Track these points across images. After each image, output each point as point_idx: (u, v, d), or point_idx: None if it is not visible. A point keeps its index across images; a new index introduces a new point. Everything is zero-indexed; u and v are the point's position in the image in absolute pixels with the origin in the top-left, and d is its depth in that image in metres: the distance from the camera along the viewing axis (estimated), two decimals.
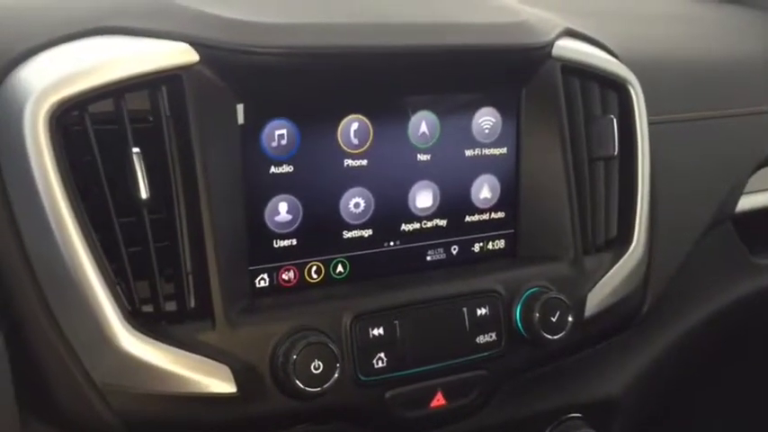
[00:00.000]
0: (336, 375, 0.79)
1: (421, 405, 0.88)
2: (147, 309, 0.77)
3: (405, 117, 0.88)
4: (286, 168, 0.83)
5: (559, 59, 0.93)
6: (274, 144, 0.82)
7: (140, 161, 0.75)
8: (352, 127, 0.85)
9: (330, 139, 0.84)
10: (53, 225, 0.72)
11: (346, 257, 0.87)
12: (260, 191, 0.82)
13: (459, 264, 0.93)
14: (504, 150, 0.94)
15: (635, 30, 1.20)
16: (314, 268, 0.86)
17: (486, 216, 0.94)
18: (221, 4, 0.81)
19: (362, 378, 0.84)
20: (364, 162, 0.86)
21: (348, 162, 0.86)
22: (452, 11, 0.93)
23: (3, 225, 0.74)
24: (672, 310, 1.14)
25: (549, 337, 0.90)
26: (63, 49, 0.77)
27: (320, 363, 0.78)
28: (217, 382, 0.77)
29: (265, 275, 0.84)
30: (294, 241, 0.85)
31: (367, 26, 0.84)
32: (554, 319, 0.90)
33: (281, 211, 0.83)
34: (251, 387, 0.79)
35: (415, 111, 0.88)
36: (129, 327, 0.74)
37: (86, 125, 0.74)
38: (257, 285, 0.83)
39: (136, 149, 0.75)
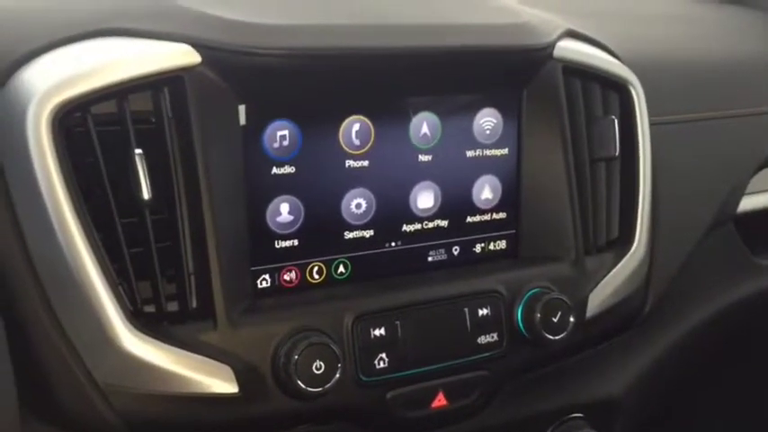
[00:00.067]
0: (338, 376, 0.79)
1: (422, 405, 0.88)
2: (149, 309, 0.77)
3: (406, 118, 0.88)
4: (288, 169, 0.83)
5: (561, 60, 0.93)
6: (276, 145, 0.82)
7: (143, 162, 0.76)
8: (353, 128, 0.85)
9: (332, 139, 0.84)
10: (56, 226, 0.73)
11: (348, 258, 0.88)
12: (262, 191, 0.82)
13: (460, 264, 0.93)
14: (505, 151, 0.94)
15: (636, 30, 1.20)
16: (315, 269, 0.86)
17: (487, 217, 0.94)
18: (223, 5, 0.81)
19: (364, 378, 0.84)
20: (366, 163, 0.86)
21: (349, 163, 0.86)
22: (453, 12, 0.93)
23: (6, 226, 0.74)
24: (673, 311, 1.14)
25: (551, 337, 0.90)
26: (65, 51, 0.77)
27: (322, 363, 0.78)
28: (218, 382, 0.77)
29: (267, 276, 0.84)
30: (296, 242, 0.85)
31: (368, 27, 0.84)
32: (555, 320, 0.90)
33: (283, 211, 0.84)
34: (253, 387, 0.79)
35: (416, 112, 0.88)
36: (131, 327, 0.74)
37: (89, 126, 0.75)
38: (259, 286, 0.84)
39: (138, 150, 0.76)
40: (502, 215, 0.95)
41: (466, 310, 0.89)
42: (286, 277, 0.85)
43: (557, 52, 0.93)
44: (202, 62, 0.77)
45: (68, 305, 0.74)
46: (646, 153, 1.01)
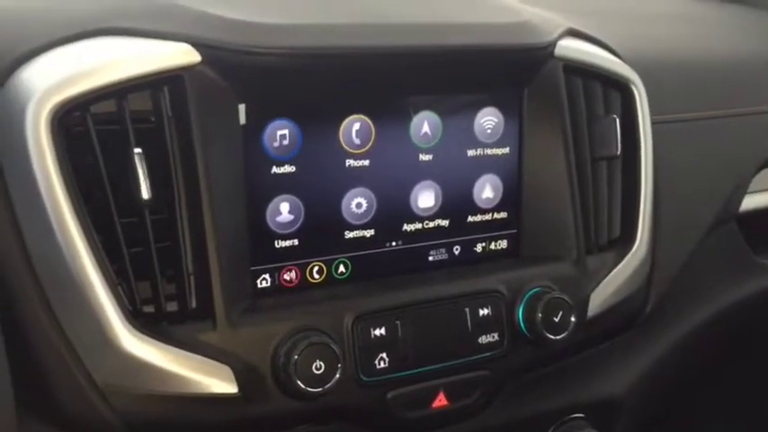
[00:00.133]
0: (338, 376, 0.79)
1: (423, 405, 0.88)
2: (149, 309, 0.77)
3: (407, 117, 0.88)
4: (288, 168, 0.83)
5: (562, 59, 0.93)
6: (276, 144, 0.82)
7: (142, 162, 0.75)
8: (353, 127, 0.85)
9: (332, 139, 0.84)
10: (55, 226, 0.72)
11: (348, 258, 0.87)
12: (262, 191, 0.82)
13: (461, 264, 0.93)
14: (506, 150, 0.93)
15: (637, 29, 1.20)
16: (316, 268, 0.86)
17: (488, 216, 0.94)
18: (223, 4, 0.81)
19: (364, 378, 0.84)
20: (366, 162, 0.86)
21: (350, 162, 0.85)
22: (454, 11, 0.93)
23: (5, 226, 0.74)
24: (675, 310, 1.14)
25: (552, 337, 0.90)
26: (65, 51, 0.77)
27: (322, 363, 0.78)
28: (218, 382, 0.77)
29: (267, 276, 0.84)
30: (296, 241, 0.85)
31: (369, 26, 0.84)
32: (557, 320, 0.90)
33: (283, 211, 0.83)
34: (252, 387, 0.79)
35: (417, 111, 0.88)
36: (131, 327, 0.74)
37: (88, 126, 0.75)
38: (259, 286, 0.84)
39: (138, 150, 0.75)
40: (503, 214, 0.95)
41: (467, 309, 0.88)
42: (286, 277, 0.85)
43: (558, 51, 0.92)
44: (202, 61, 0.77)
45: (67, 305, 0.74)
46: (647, 152, 1.01)
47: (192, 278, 0.78)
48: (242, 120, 0.80)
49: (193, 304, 0.78)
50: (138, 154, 0.75)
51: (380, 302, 0.85)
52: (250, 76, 0.79)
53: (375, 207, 0.88)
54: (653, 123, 1.02)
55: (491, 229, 0.95)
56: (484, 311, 0.89)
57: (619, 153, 0.99)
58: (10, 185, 0.74)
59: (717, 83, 1.19)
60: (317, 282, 0.86)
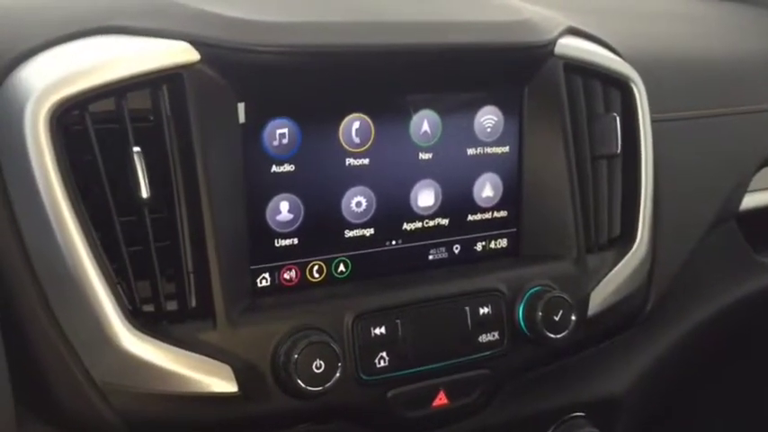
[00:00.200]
0: (338, 375, 0.79)
1: (423, 404, 0.88)
2: (148, 308, 0.77)
3: (406, 116, 0.87)
4: (287, 167, 0.83)
5: (562, 57, 0.93)
6: (275, 143, 0.82)
7: (141, 160, 0.75)
8: (353, 126, 0.85)
9: (332, 137, 0.84)
10: (54, 224, 0.72)
11: (348, 257, 0.87)
12: (261, 190, 0.82)
13: (461, 263, 0.93)
14: (506, 149, 0.93)
15: (637, 28, 1.20)
16: (315, 267, 0.86)
17: (488, 215, 0.94)
18: (222, 2, 0.81)
19: (364, 377, 0.84)
20: (366, 161, 0.86)
21: (350, 161, 0.85)
22: (454, 9, 0.92)
23: (3, 224, 0.74)
24: (675, 309, 1.14)
25: (552, 335, 0.89)
26: (63, 49, 0.77)
27: (322, 362, 0.78)
28: (218, 381, 0.77)
29: (267, 275, 0.84)
30: (295, 240, 0.84)
31: (368, 25, 0.84)
32: (557, 318, 0.89)
33: (283, 210, 0.83)
34: (252, 386, 0.79)
35: (416, 109, 0.88)
36: (130, 326, 0.74)
37: (87, 124, 0.74)
38: (258, 285, 0.83)
39: (137, 149, 0.75)
40: (503, 213, 0.95)
41: (467, 308, 0.88)
42: (286, 276, 0.85)
43: (558, 49, 0.92)
44: (201, 60, 0.76)
45: (66, 304, 0.74)
46: (647, 150, 1.00)
47: (191, 277, 0.78)
48: (241, 118, 0.80)
49: (193, 303, 0.78)
50: (137, 153, 0.75)
51: (380, 301, 0.85)
52: (249, 75, 0.79)
53: (375, 206, 0.88)
54: (653, 122, 1.01)
55: (491, 227, 0.95)
56: (484, 310, 0.89)
57: (619, 151, 0.99)
58: (9, 184, 0.74)
59: (717, 81, 1.19)
60: (316, 281, 0.86)
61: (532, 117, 0.93)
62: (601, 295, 0.96)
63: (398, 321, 0.85)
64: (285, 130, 0.82)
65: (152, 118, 0.77)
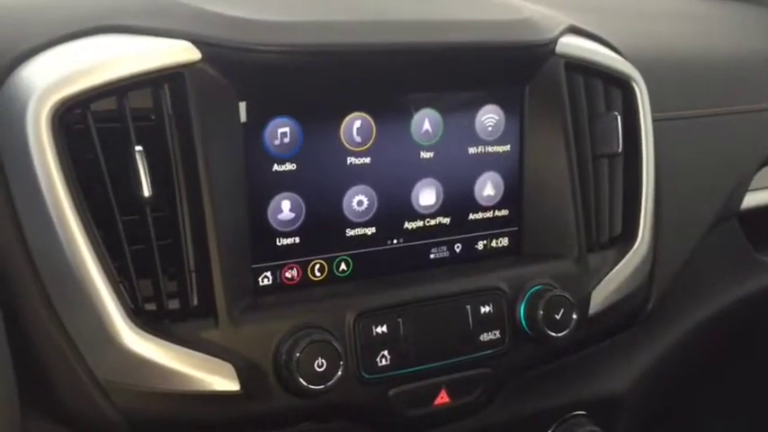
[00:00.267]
0: (340, 373, 0.79)
1: (425, 403, 0.88)
2: (150, 307, 0.77)
3: (408, 115, 0.88)
4: (289, 166, 0.83)
5: (563, 56, 0.93)
6: (277, 142, 0.82)
7: (143, 159, 0.75)
8: (354, 125, 0.85)
9: (333, 136, 0.84)
10: (56, 223, 0.72)
11: (349, 255, 0.87)
12: (263, 189, 0.82)
13: (462, 261, 0.93)
14: (507, 148, 0.93)
15: (639, 26, 1.20)
16: (317, 266, 0.86)
17: (489, 214, 0.94)
18: (223, 1, 0.81)
19: (366, 376, 0.84)
20: (367, 160, 0.86)
21: (351, 160, 0.85)
22: (455, 8, 0.93)
23: (6, 223, 0.74)
24: (676, 308, 1.14)
25: (554, 334, 0.90)
26: (65, 48, 0.77)
27: (323, 360, 0.78)
28: (220, 379, 0.77)
29: (268, 273, 0.84)
30: (297, 239, 0.84)
31: (369, 24, 0.84)
32: (558, 317, 0.89)
33: (284, 209, 0.83)
34: (254, 385, 0.79)
35: (417, 108, 0.88)
36: (132, 324, 0.74)
37: (89, 123, 0.75)
38: (260, 283, 0.84)
39: (138, 147, 0.75)
40: (504, 212, 0.95)
41: (468, 307, 0.88)
42: (287, 275, 0.85)
43: (559, 48, 0.92)
44: (202, 59, 0.77)
45: (69, 302, 0.74)
46: (649, 149, 1.00)
47: (193, 276, 0.78)
48: (243, 117, 0.80)
49: (195, 302, 0.78)
50: (139, 152, 0.75)
51: (382, 300, 0.85)
52: (250, 74, 0.79)
53: (376, 205, 0.88)
54: (654, 121, 1.01)
55: (492, 226, 0.95)
56: (485, 309, 0.89)
57: (620, 150, 0.99)
58: (11, 182, 0.74)
59: (718, 80, 1.18)
60: (318, 279, 0.86)
61: (533, 116, 0.93)
62: (602, 294, 0.96)
63: (400, 320, 0.85)
64: (286, 129, 0.82)
65: (154, 117, 0.77)
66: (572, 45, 0.94)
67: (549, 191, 0.95)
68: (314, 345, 0.78)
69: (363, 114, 0.85)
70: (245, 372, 0.78)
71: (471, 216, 0.93)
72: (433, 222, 0.91)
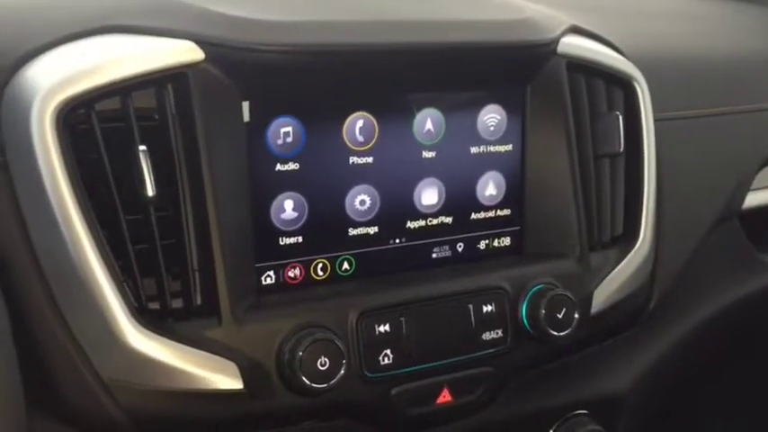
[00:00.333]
0: (342, 372, 0.79)
1: (427, 401, 0.88)
2: (154, 306, 0.77)
3: (410, 114, 0.88)
4: (292, 166, 0.83)
5: (565, 56, 0.93)
6: (280, 141, 0.82)
7: (147, 159, 0.76)
8: (357, 124, 0.85)
9: (336, 136, 0.84)
10: (60, 222, 0.73)
11: (352, 255, 0.88)
12: (266, 188, 0.82)
13: (464, 261, 0.93)
14: (509, 147, 0.94)
15: (640, 26, 1.20)
16: (320, 265, 0.86)
17: (491, 213, 0.94)
18: (226, 1, 0.81)
19: (368, 374, 0.84)
20: (370, 159, 0.86)
21: (353, 159, 0.86)
22: (456, 8, 0.93)
23: (10, 222, 0.74)
24: (678, 307, 1.14)
25: (556, 333, 0.90)
26: (69, 48, 0.77)
27: (326, 359, 0.78)
28: (223, 378, 0.77)
29: (271, 272, 0.84)
30: (300, 238, 0.85)
31: (372, 23, 0.84)
32: (560, 316, 0.90)
33: (287, 208, 0.84)
34: (257, 383, 0.79)
35: (420, 108, 0.88)
36: (136, 323, 0.74)
37: (93, 123, 0.75)
38: (263, 282, 0.84)
39: (142, 147, 0.76)
40: (506, 212, 0.95)
41: (470, 306, 0.89)
42: (290, 274, 0.85)
43: (561, 48, 0.92)
44: (206, 59, 0.77)
45: (73, 301, 0.74)
46: (650, 149, 1.01)
47: (196, 275, 0.78)
48: (246, 117, 0.80)
49: (198, 301, 0.78)
50: (143, 151, 0.76)
51: (384, 299, 0.85)
52: (253, 74, 0.79)
53: (379, 204, 0.88)
54: (656, 120, 1.02)
55: (494, 226, 0.95)
56: (487, 308, 0.89)
57: (621, 150, 0.99)
58: (16, 182, 0.74)
59: (719, 80, 1.19)
60: (321, 279, 0.87)
61: (535, 116, 0.93)
62: (604, 293, 0.97)
63: (402, 319, 0.85)
64: (289, 129, 0.82)
65: (157, 117, 0.77)
66: (574, 45, 0.95)
67: (551, 190, 0.95)
68: (317, 344, 0.78)
69: (366, 114, 0.85)
70: (248, 370, 0.78)
71: (473, 216, 0.93)
72: (435, 222, 0.91)
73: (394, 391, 0.86)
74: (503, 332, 0.90)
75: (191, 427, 0.81)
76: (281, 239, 0.84)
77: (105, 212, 0.75)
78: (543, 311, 0.89)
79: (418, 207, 0.90)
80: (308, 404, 0.82)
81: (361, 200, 0.87)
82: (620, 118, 0.98)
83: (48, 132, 0.72)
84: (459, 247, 0.93)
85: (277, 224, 0.84)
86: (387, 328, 0.84)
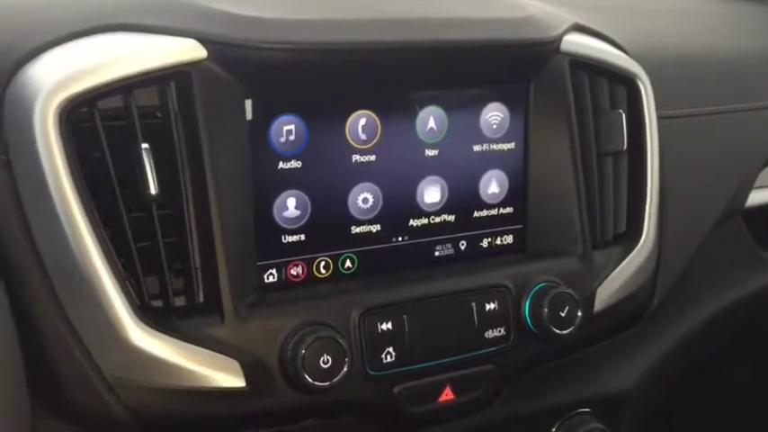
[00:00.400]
0: (345, 370, 0.79)
1: (429, 400, 0.88)
2: (157, 303, 0.77)
3: (412, 112, 0.88)
4: (294, 164, 0.83)
5: (568, 54, 0.93)
6: (282, 140, 0.82)
7: (149, 157, 0.76)
8: (360, 122, 0.85)
9: (338, 134, 0.84)
10: (63, 220, 0.73)
11: (354, 253, 0.88)
12: (268, 186, 0.82)
13: (467, 259, 0.93)
14: (512, 145, 0.94)
15: (643, 24, 1.20)
16: (322, 263, 0.86)
17: (494, 211, 0.94)
18: None
19: (371, 373, 0.84)
20: (372, 157, 0.86)
21: (356, 157, 0.86)
22: (459, 6, 0.93)
23: (13, 220, 0.75)
24: (681, 306, 1.14)
25: (558, 331, 0.90)
26: (72, 46, 0.78)
27: (329, 357, 0.78)
28: (226, 376, 0.77)
29: (274, 270, 0.84)
30: (302, 236, 0.85)
31: (374, 22, 0.84)
32: (563, 314, 0.90)
33: (290, 206, 0.84)
34: (260, 381, 0.79)
35: (422, 106, 0.88)
36: (139, 321, 0.75)
37: (96, 121, 0.75)
38: (266, 280, 0.84)
39: (145, 145, 0.76)
40: (509, 210, 0.95)
41: (473, 304, 0.89)
42: (293, 272, 0.85)
43: (563, 46, 0.92)
44: (208, 57, 0.77)
45: (76, 299, 0.74)
46: (653, 147, 1.00)
47: (199, 273, 0.78)
48: (248, 115, 0.80)
49: (201, 299, 0.78)
50: (146, 149, 0.76)
51: (387, 297, 0.85)
52: (256, 72, 0.79)
53: (381, 202, 0.88)
54: (659, 118, 1.01)
55: (497, 224, 0.95)
56: (490, 306, 0.89)
57: (625, 148, 0.99)
58: (18, 180, 0.74)
59: (723, 78, 1.18)
60: (323, 276, 0.87)
61: (538, 114, 0.93)
62: (607, 291, 0.96)
63: (405, 317, 0.85)
64: (292, 127, 0.82)
65: (160, 115, 0.78)
66: (576, 43, 0.94)
67: (554, 188, 0.95)
68: (319, 341, 0.78)
69: (368, 112, 0.85)
70: (250, 368, 0.78)
71: (476, 214, 0.93)
72: (437, 220, 0.91)
73: (396, 389, 0.86)
74: (505, 330, 0.90)
75: (193, 425, 0.81)
76: (283, 237, 0.84)
77: (108, 210, 0.75)
78: (546, 310, 0.89)
79: (421, 205, 0.90)
80: (310, 402, 0.82)
81: (363, 198, 0.87)
82: (624, 116, 0.98)
83: (50, 130, 0.72)
84: (462, 245, 0.93)
85: (280, 222, 0.84)
86: (389, 326, 0.84)
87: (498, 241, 0.95)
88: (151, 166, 0.76)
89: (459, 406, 0.90)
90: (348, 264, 0.88)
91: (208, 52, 0.77)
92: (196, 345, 0.77)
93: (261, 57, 0.78)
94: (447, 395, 0.89)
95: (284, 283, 0.85)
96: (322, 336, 0.79)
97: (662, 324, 1.13)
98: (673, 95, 1.08)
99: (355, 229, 0.87)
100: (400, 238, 0.90)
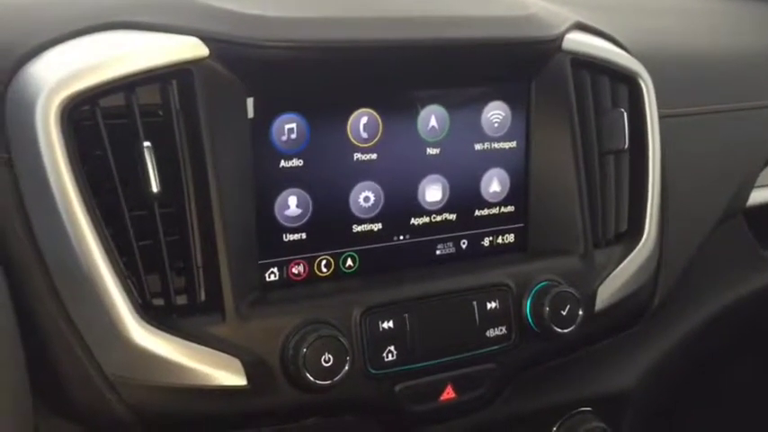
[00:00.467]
0: (346, 368, 0.79)
1: (431, 398, 0.88)
2: (158, 302, 0.77)
3: (414, 111, 0.88)
4: (296, 162, 0.83)
5: (569, 53, 0.93)
6: (284, 138, 0.82)
7: (151, 155, 0.76)
8: (361, 121, 0.85)
9: (340, 132, 0.84)
10: (65, 219, 0.73)
11: (356, 251, 0.88)
12: (270, 185, 0.82)
13: (468, 258, 0.93)
14: (513, 144, 0.94)
15: (645, 23, 1.19)
16: (324, 262, 0.86)
17: (495, 210, 0.94)
18: None
19: (372, 371, 0.84)
20: (374, 156, 0.86)
21: (358, 156, 0.86)
22: (461, 4, 0.93)
23: (15, 219, 0.75)
24: (682, 304, 1.14)
25: (560, 330, 0.90)
26: (74, 44, 0.78)
27: (330, 356, 0.78)
28: (227, 374, 0.78)
29: (275, 269, 0.84)
30: (304, 235, 0.85)
31: (376, 20, 0.84)
32: (564, 313, 0.90)
33: (291, 204, 0.84)
34: (261, 380, 0.79)
35: (424, 105, 0.88)
36: (141, 320, 0.75)
37: (97, 119, 0.75)
38: (267, 279, 0.84)
39: (147, 143, 0.76)
40: (510, 208, 0.95)
41: (474, 303, 0.89)
42: (294, 270, 0.85)
43: (565, 44, 0.92)
44: (210, 55, 0.77)
45: (77, 298, 0.74)
46: (655, 146, 1.00)
47: (200, 271, 0.78)
48: (250, 113, 0.80)
49: (202, 297, 0.78)
50: (147, 147, 0.76)
51: (388, 296, 0.85)
52: (258, 70, 0.79)
53: (382, 201, 0.88)
54: (661, 117, 1.01)
55: (498, 222, 0.95)
56: (491, 305, 0.89)
57: (626, 147, 0.99)
58: (20, 178, 0.74)
59: (725, 77, 1.18)
60: (324, 275, 0.87)
61: (540, 112, 0.93)
62: (608, 290, 0.96)
63: (406, 316, 0.85)
64: (294, 126, 0.82)
65: (161, 113, 0.78)
66: (578, 41, 0.94)
67: (556, 187, 0.95)
68: (321, 340, 0.78)
69: (370, 110, 0.85)
70: (252, 367, 0.78)
71: (477, 212, 0.93)
72: (439, 218, 0.91)
73: (398, 388, 0.86)
74: (507, 329, 0.90)
75: (194, 423, 0.81)
76: (284, 236, 0.84)
77: (109, 209, 0.75)
78: (547, 308, 0.89)
79: (422, 204, 0.90)
80: (311, 401, 0.82)
81: (365, 196, 0.87)
82: (625, 115, 0.98)
83: (52, 129, 0.72)
84: (463, 243, 0.93)
85: (281, 220, 0.84)
86: (390, 324, 0.84)
87: (500, 240, 0.95)
88: (153, 165, 0.76)
89: (460, 405, 0.90)
90: (349, 262, 0.88)
91: (209, 50, 0.77)
92: (197, 343, 0.77)
93: (263, 55, 0.78)
94: (448, 394, 0.89)
95: (285, 282, 0.85)
96: (323, 334, 0.79)
97: (663, 323, 1.13)
98: (674, 94, 1.08)
99: (356, 228, 0.87)
100: (401, 237, 0.90)
